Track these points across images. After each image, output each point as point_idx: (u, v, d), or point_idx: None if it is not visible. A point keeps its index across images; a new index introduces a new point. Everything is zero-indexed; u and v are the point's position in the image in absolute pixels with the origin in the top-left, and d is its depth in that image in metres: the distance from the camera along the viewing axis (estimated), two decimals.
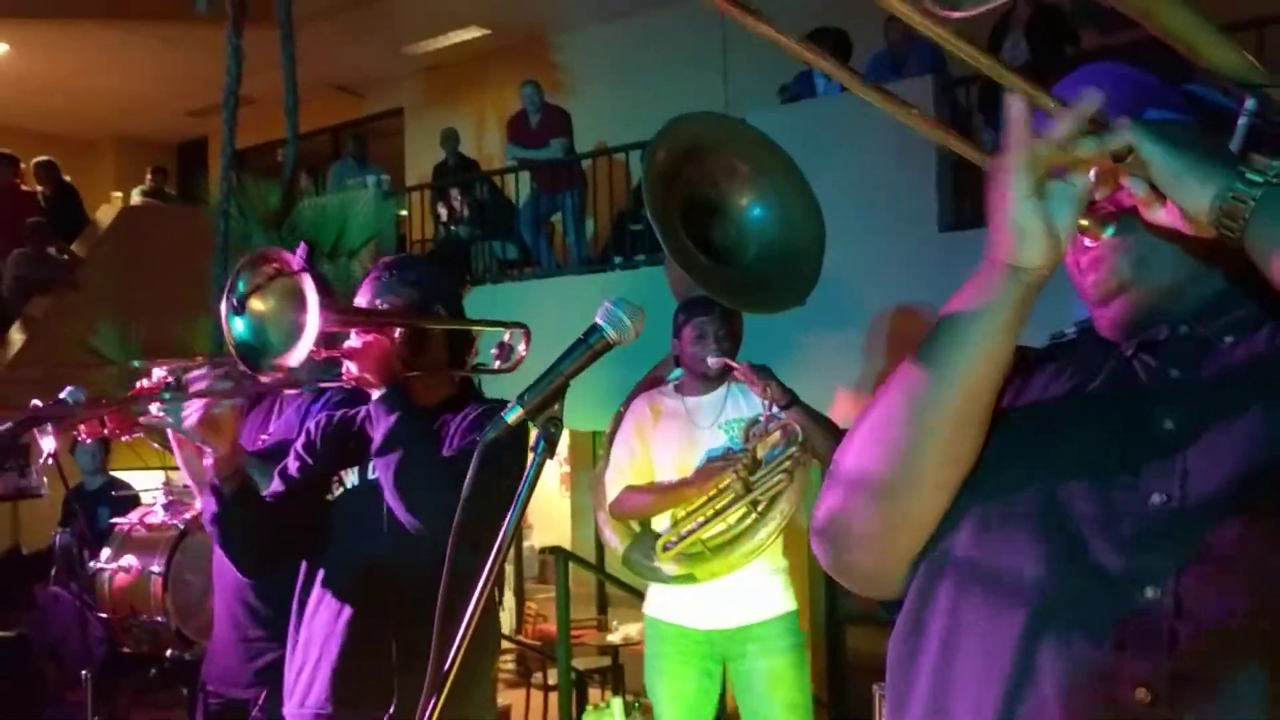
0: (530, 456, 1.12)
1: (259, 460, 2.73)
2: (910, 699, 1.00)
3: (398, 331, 2.20)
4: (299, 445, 2.31)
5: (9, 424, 1.98)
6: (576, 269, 8.63)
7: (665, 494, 3.20)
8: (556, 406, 1.14)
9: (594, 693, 7.25)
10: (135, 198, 11.75)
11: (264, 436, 2.92)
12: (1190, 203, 0.90)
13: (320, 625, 2.22)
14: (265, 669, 2.76)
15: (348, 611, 2.17)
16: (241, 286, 1.88)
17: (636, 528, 3.34)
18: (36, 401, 2.07)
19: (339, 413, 2.33)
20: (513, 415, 1.12)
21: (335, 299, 1.96)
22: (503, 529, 1.07)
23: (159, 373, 2.08)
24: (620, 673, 8.14)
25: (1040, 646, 0.90)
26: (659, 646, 3.31)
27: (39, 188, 10.65)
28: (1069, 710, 0.87)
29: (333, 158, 11.83)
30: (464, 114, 11.06)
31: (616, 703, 5.22)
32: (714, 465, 3.10)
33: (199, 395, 1.98)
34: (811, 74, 7.21)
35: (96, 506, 5.47)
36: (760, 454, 3.07)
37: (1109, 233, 0.99)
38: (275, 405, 3.01)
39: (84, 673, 1.93)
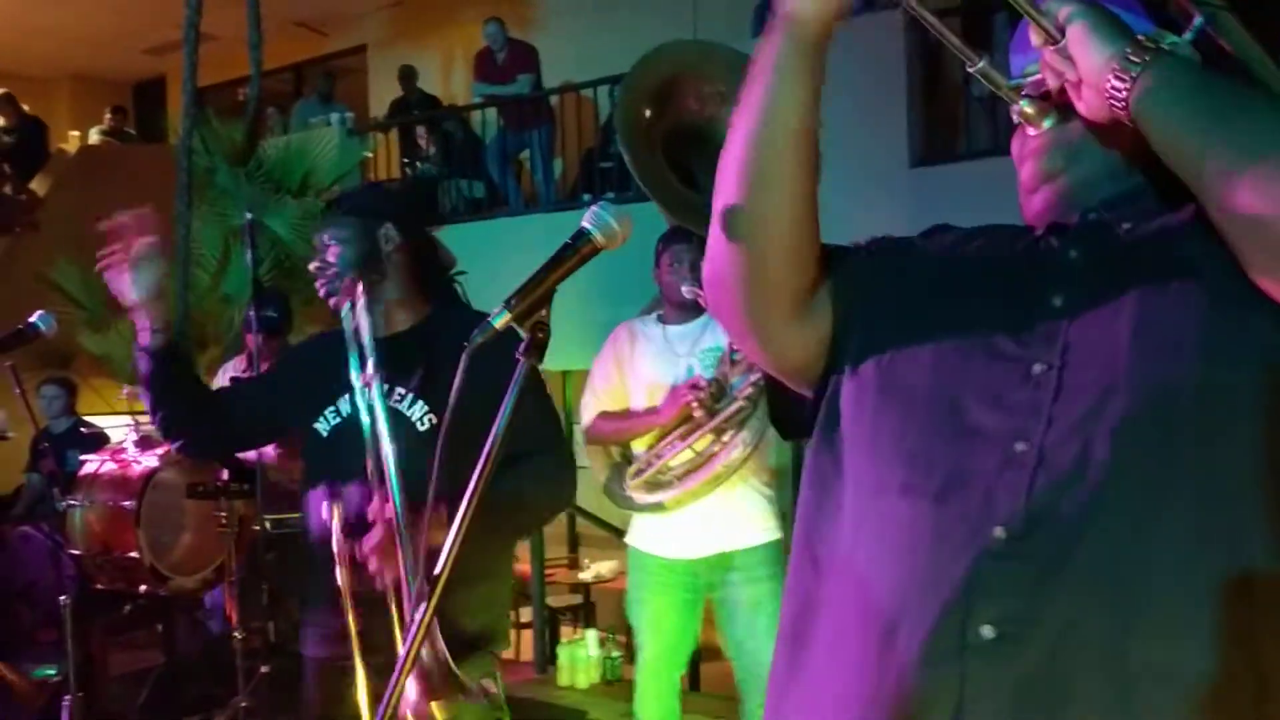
0: (518, 361, 1.12)
1: None
2: (812, 550, 1.08)
3: (353, 258, 2.22)
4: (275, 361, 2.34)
5: None
6: (545, 207, 8.57)
7: (636, 421, 3.21)
8: (544, 311, 1.13)
9: (566, 630, 7.32)
10: (94, 137, 11.52)
11: None
12: (1088, 61, 0.97)
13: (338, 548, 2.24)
14: None
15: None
16: None
17: (616, 457, 3.34)
18: None
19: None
20: (500, 320, 1.12)
21: None
22: (493, 430, 1.07)
23: None
24: (592, 610, 8.22)
25: (924, 498, 0.98)
26: (640, 576, 3.32)
27: (1, 120, 10.44)
28: (940, 551, 0.96)
29: (295, 96, 11.63)
30: (429, 51, 10.88)
31: (591, 634, 5.27)
32: (680, 392, 3.10)
33: None
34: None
35: (65, 448, 5.42)
36: (731, 381, 3.08)
37: (1048, 123, 1.07)
38: None
39: (62, 598, 1.91)
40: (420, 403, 2.21)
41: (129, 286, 2.16)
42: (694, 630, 3.33)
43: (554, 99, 8.97)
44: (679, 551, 3.22)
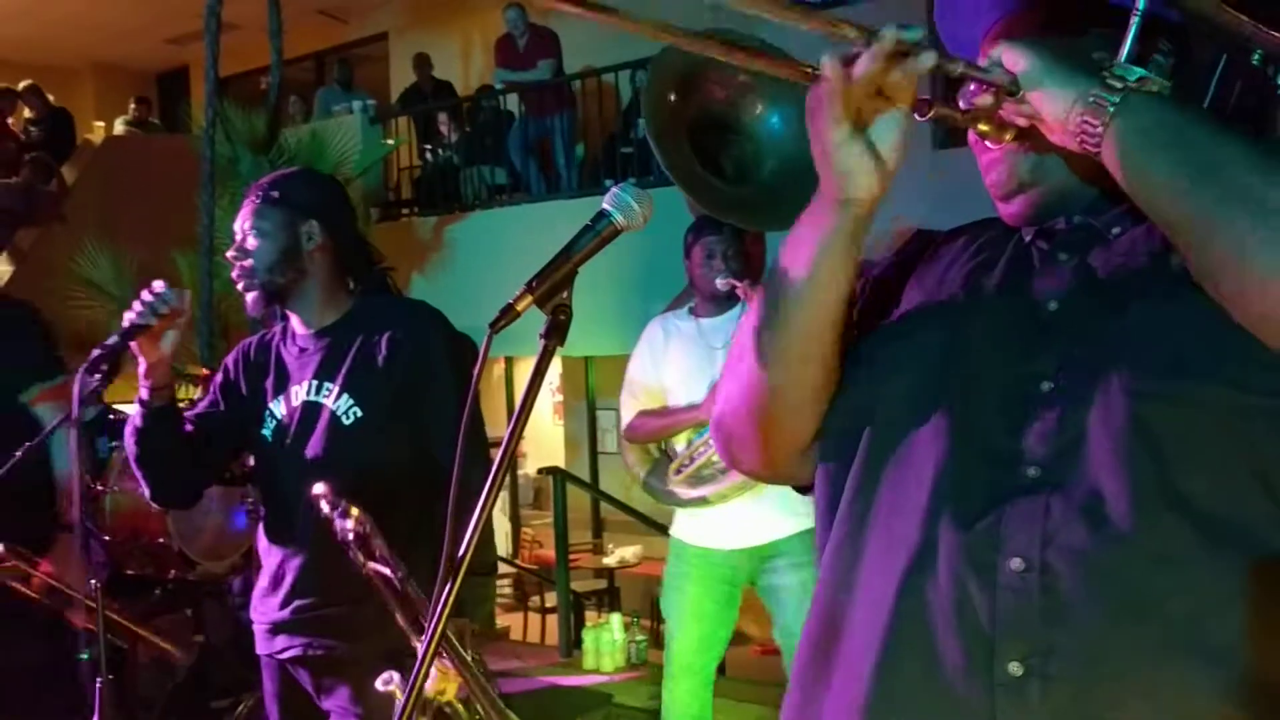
0: (540, 343, 1.12)
1: None
2: (827, 574, 1.06)
3: (272, 254, 2.23)
4: (216, 383, 2.36)
5: (116, 337, 2.04)
6: (567, 193, 8.57)
7: (676, 418, 3.22)
8: (565, 294, 1.13)
9: (590, 615, 7.36)
10: (119, 127, 11.60)
11: None
12: (1052, 110, 0.92)
13: (284, 548, 2.30)
14: None
15: (310, 529, 2.21)
16: None
17: (655, 453, 3.36)
18: (130, 316, 2.07)
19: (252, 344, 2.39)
20: (522, 303, 1.12)
21: None
22: (516, 411, 1.08)
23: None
24: (616, 595, 8.25)
25: (936, 524, 0.95)
26: (680, 566, 3.32)
27: (29, 113, 10.53)
28: (956, 579, 0.92)
29: (316, 84, 11.67)
30: (450, 37, 10.90)
31: (615, 618, 5.29)
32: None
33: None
34: None
35: (95, 435, 5.46)
36: None
37: (1008, 138, 1.02)
38: None
39: (92, 583, 1.93)
40: (346, 396, 2.24)
41: (154, 349, 2.12)
42: (730, 622, 3.33)
43: (575, 84, 8.96)
44: (722, 542, 3.22)
